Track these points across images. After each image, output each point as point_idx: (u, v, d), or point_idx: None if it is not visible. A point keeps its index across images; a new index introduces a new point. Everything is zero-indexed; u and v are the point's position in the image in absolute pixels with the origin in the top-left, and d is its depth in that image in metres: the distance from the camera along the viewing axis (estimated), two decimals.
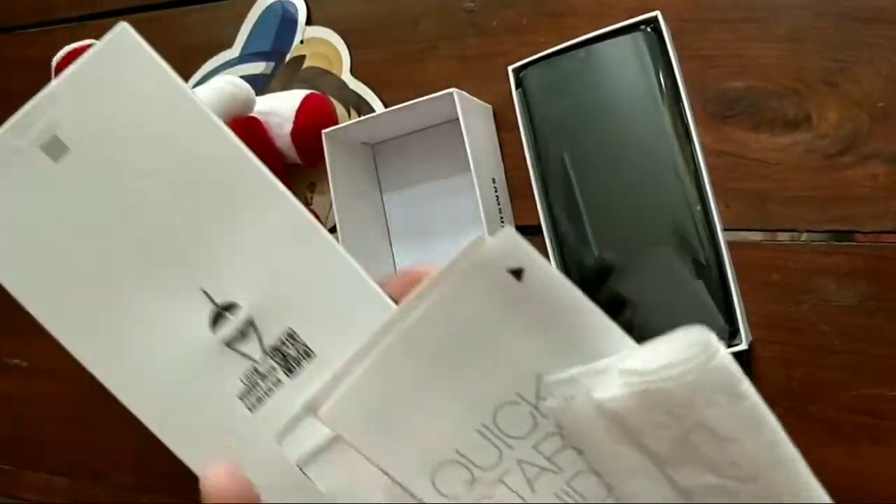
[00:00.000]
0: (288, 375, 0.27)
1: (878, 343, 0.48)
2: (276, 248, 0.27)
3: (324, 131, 0.56)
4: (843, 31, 0.49)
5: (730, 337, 0.47)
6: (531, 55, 0.53)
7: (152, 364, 0.27)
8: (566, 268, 0.51)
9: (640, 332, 0.51)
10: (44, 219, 0.26)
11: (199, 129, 0.27)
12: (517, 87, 0.53)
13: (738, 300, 0.47)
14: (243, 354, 0.27)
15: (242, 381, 0.27)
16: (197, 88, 0.61)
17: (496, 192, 0.56)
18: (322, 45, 0.65)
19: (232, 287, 0.27)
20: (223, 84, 0.57)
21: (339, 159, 0.58)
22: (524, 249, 0.21)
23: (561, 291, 0.23)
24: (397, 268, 0.62)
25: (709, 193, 0.48)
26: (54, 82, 0.26)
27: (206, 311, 0.27)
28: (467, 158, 0.51)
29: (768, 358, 0.50)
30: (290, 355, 0.27)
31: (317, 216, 0.63)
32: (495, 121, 0.59)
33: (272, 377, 0.27)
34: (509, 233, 0.21)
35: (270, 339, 0.27)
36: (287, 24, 0.66)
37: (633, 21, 0.50)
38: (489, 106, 0.59)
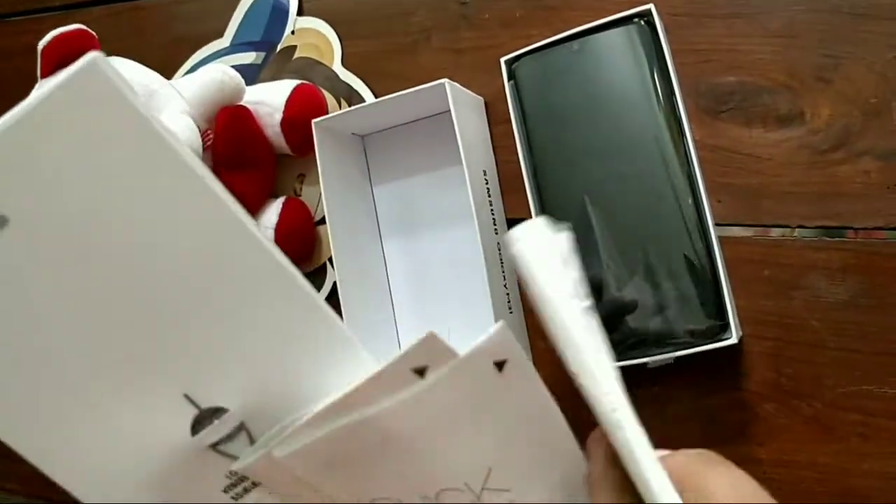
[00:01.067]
0: None
1: (868, 339, 0.48)
2: (276, 338, 0.23)
3: (314, 121, 0.56)
4: (836, 27, 0.49)
5: (720, 331, 0.47)
6: (524, 48, 0.53)
7: (126, 474, 0.23)
8: None
9: (631, 326, 0.51)
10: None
11: (186, 190, 0.21)
12: (509, 78, 0.53)
13: (729, 295, 0.47)
14: (230, 455, 0.24)
15: (228, 477, 0.25)
16: (186, 77, 0.60)
17: (487, 184, 0.55)
18: (313, 35, 0.65)
19: (220, 390, 0.23)
20: (213, 73, 0.57)
21: (328, 150, 0.57)
22: (512, 344, 0.23)
23: (535, 393, 0.24)
24: (386, 259, 0.62)
25: (701, 188, 0.48)
26: None
27: (189, 415, 0.23)
28: (458, 151, 0.51)
29: (759, 353, 0.50)
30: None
31: (306, 207, 0.63)
32: (487, 113, 0.59)
33: None
34: (502, 328, 0.23)
35: (259, 434, 0.24)
36: (278, 14, 0.66)
37: (626, 14, 0.50)
38: (481, 98, 0.59)
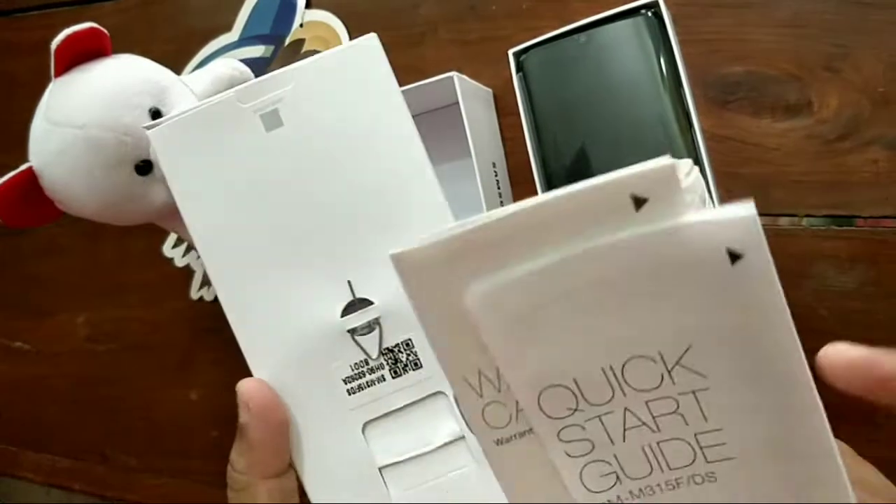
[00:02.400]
0: (393, 377, 0.30)
1: (877, 328, 0.48)
2: None
3: None
4: (844, 16, 0.49)
5: None
6: (531, 40, 0.53)
7: (281, 331, 0.29)
8: None
9: None
10: (241, 178, 0.29)
11: (399, 142, 0.30)
12: (517, 71, 0.53)
13: None
14: (361, 347, 0.30)
15: (351, 368, 0.30)
16: (196, 72, 0.61)
17: (496, 176, 0.56)
18: (321, 28, 0.65)
19: (372, 285, 0.29)
20: (223, 68, 0.57)
21: None
22: (757, 242, 0.19)
23: (773, 298, 0.20)
24: None
25: (709, 178, 0.48)
26: (293, 66, 0.29)
27: (345, 300, 0.30)
28: (467, 143, 0.51)
29: None
30: (402, 361, 0.30)
31: None
32: (495, 105, 0.59)
33: (378, 373, 0.30)
34: (749, 211, 0.18)
35: (389, 341, 0.30)
36: (287, 7, 0.66)
37: (634, 5, 0.50)
38: (489, 90, 0.59)
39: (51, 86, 0.51)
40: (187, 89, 0.55)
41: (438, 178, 0.60)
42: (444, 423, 0.30)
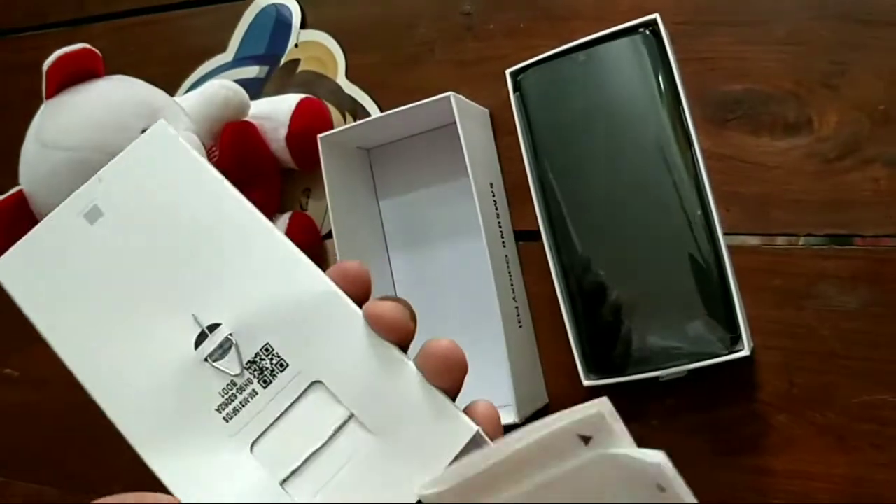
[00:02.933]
0: (264, 387, 0.30)
1: (880, 348, 0.47)
2: (256, 275, 0.30)
3: (319, 136, 0.55)
4: (843, 33, 0.49)
5: (731, 343, 0.46)
6: (529, 59, 0.52)
7: (137, 378, 0.30)
8: (565, 274, 0.51)
9: (640, 337, 0.50)
10: (84, 275, 0.31)
11: (216, 202, 0.31)
12: (515, 90, 0.53)
13: (740, 306, 0.47)
14: (223, 370, 0.30)
15: (221, 395, 0.30)
16: (190, 93, 0.60)
17: (494, 196, 0.55)
18: (317, 48, 0.65)
19: (215, 309, 0.30)
20: (217, 88, 0.57)
21: (334, 164, 0.57)
22: (675, 477, 0.24)
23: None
24: (393, 273, 0.61)
25: (709, 197, 0.48)
26: (102, 170, 0.32)
27: (194, 333, 0.30)
28: (464, 163, 0.51)
29: (770, 364, 0.50)
30: (267, 368, 0.30)
31: (312, 221, 0.63)
32: (493, 125, 0.59)
33: (248, 389, 0.30)
34: (664, 460, 0.23)
35: (248, 353, 0.30)
36: (281, 27, 0.66)
37: (632, 24, 0.50)
38: (486, 109, 0.58)
39: (43, 107, 0.51)
40: (180, 110, 0.54)
41: (436, 198, 0.60)
42: (329, 410, 0.30)
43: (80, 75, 0.51)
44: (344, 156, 0.59)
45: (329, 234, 0.61)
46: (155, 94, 0.54)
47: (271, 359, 0.30)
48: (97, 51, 0.52)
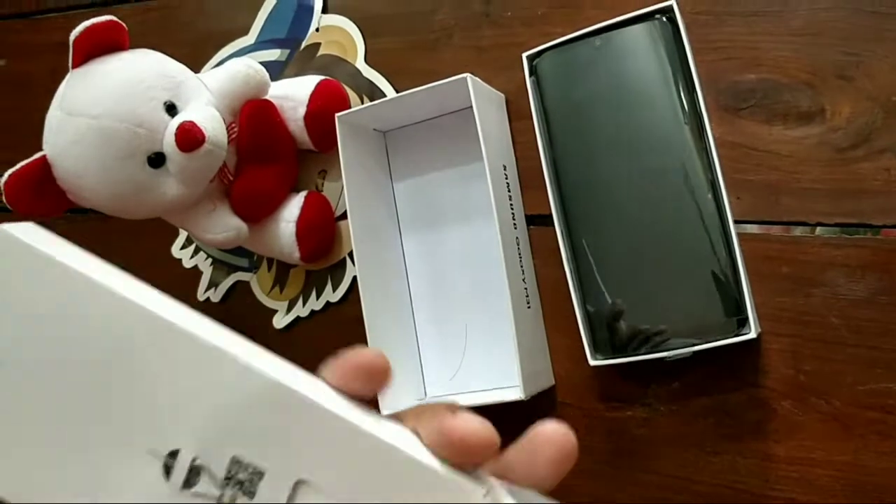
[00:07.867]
0: (251, 499, 0.28)
1: (888, 337, 0.48)
2: (190, 388, 0.27)
3: (337, 115, 0.56)
4: (858, 24, 0.49)
5: (738, 327, 0.47)
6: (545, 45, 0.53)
7: None
8: (575, 259, 0.51)
9: (649, 322, 0.51)
10: None
11: (96, 301, 0.27)
12: (531, 74, 0.54)
13: (748, 291, 0.47)
14: (203, 494, 0.28)
15: None
16: (212, 70, 0.61)
17: (507, 180, 0.56)
18: (337, 32, 0.66)
19: (169, 436, 0.27)
20: (238, 66, 0.58)
21: (351, 144, 0.58)
22: None
23: None
24: (406, 254, 0.62)
25: (720, 185, 0.48)
26: None
27: (156, 465, 0.27)
28: (479, 147, 0.51)
29: (777, 351, 0.50)
30: (244, 479, 0.28)
31: (326, 201, 0.64)
32: (508, 110, 0.59)
33: None
34: None
35: (220, 470, 0.28)
36: (303, 11, 0.67)
37: (648, 10, 0.51)
38: (502, 94, 0.59)
39: (68, 76, 0.52)
40: (202, 84, 0.55)
41: (449, 182, 0.60)
42: None
43: (105, 46, 0.52)
44: (361, 137, 0.60)
45: (344, 215, 0.62)
46: (178, 68, 0.55)
47: (245, 469, 0.28)
48: (123, 23, 0.53)
